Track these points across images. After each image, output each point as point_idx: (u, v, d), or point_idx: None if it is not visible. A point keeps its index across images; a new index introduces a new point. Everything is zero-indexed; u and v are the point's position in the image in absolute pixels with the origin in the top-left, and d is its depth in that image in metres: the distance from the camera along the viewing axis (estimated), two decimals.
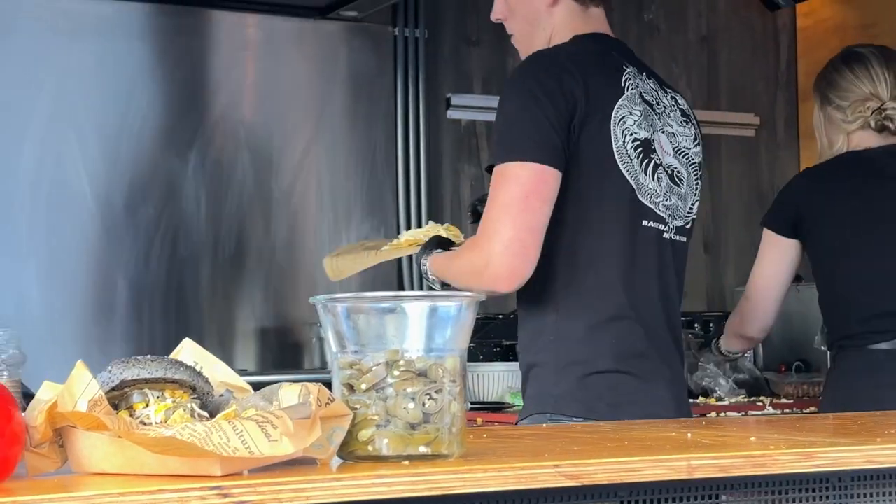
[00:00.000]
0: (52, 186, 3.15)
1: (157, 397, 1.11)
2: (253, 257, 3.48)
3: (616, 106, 2.02)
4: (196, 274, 3.40)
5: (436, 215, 3.73)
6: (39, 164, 3.13)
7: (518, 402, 3.19)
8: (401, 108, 3.66)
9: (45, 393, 1.09)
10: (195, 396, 1.13)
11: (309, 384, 1.12)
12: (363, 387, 1.15)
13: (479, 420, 2.91)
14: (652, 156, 2.05)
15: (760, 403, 3.25)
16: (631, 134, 2.03)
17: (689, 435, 1.41)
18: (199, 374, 1.14)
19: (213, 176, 3.43)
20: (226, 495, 0.98)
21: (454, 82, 3.79)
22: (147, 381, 1.11)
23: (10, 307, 2.98)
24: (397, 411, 1.14)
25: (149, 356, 1.13)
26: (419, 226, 3.67)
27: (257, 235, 3.48)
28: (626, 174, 2.01)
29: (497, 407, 3.17)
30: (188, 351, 1.21)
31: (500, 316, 3.71)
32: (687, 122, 2.16)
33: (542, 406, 2.01)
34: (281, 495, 1.00)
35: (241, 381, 1.19)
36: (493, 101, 3.90)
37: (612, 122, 2.01)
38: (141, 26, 3.32)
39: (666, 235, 2.08)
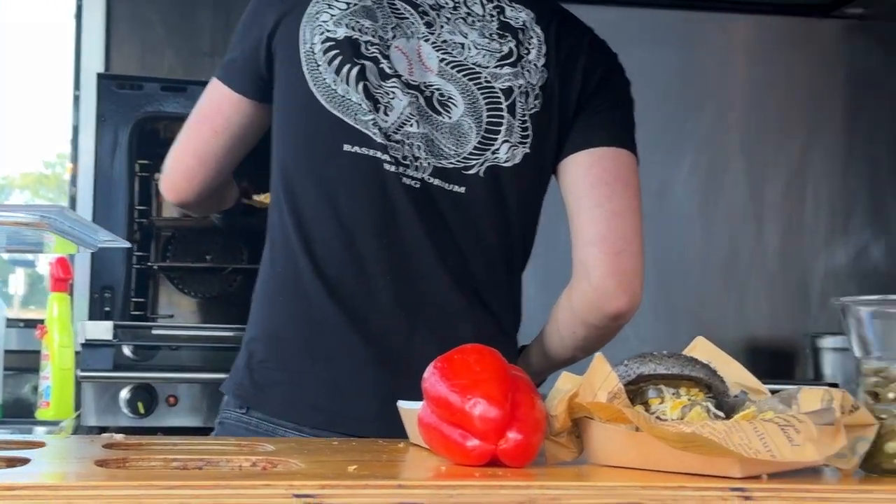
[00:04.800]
0: None
1: (673, 394, 1.10)
2: (744, 263, 3.41)
3: (313, 1, 1.64)
4: (685, 278, 3.38)
5: None
6: None
7: None
8: None
9: (564, 383, 1.11)
10: (710, 395, 1.11)
11: (831, 389, 1.07)
12: (890, 396, 1.08)
13: None
14: (359, 61, 1.59)
15: None
16: (323, 33, 1.61)
17: None
18: (715, 372, 1.12)
19: (705, 179, 3.40)
20: (747, 497, 0.95)
21: None
22: (663, 378, 1.10)
23: None
24: None
25: (664, 352, 1.12)
26: None
27: (748, 241, 3.41)
28: (311, 83, 1.60)
29: None
30: (701, 348, 1.19)
31: None
32: (504, 37, 1.64)
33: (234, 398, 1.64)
34: (805, 503, 0.96)
35: (757, 383, 1.15)
36: None
37: (303, 20, 1.63)
38: (645, 30, 3.35)
39: (391, 169, 1.57)
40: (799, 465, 1.00)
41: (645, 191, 3.31)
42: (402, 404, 1.27)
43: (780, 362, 3.38)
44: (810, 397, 1.07)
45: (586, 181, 1.63)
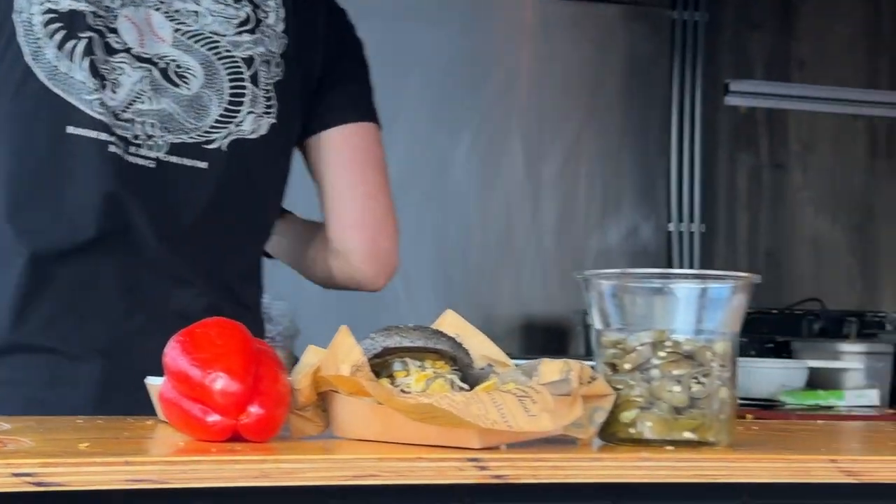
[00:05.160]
0: None
1: (418, 367, 1.10)
2: (520, 241, 3.47)
3: None
4: (464, 255, 3.43)
5: (710, 205, 3.63)
6: None
7: (792, 400, 3.07)
8: (676, 94, 3.57)
9: (311, 357, 1.10)
10: (455, 368, 1.12)
11: (571, 361, 1.09)
12: (627, 367, 1.11)
13: (749, 417, 2.81)
14: (84, 36, 1.49)
15: None
16: (44, 3, 1.50)
17: None
18: (460, 345, 1.12)
19: (483, 158, 3.45)
20: (483, 468, 0.96)
21: (734, 68, 3.67)
22: (408, 350, 1.10)
23: (288, 283, 3.08)
24: (662, 394, 1.09)
25: (410, 325, 1.12)
26: (692, 216, 3.59)
27: (525, 219, 3.47)
28: (30, 58, 1.49)
29: (768, 405, 3.05)
30: (450, 321, 1.19)
31: (774, 311, 3.57)
32: (239, 2, 1.58)
33: None
34: (539, 472, 0.98)
35: (503, 355, 1.17)
36: (775, 88, 3.84)
37: None
38: (429, 8, 3.37)
39: (119, 151, 1.49)
40: (536, 435, 1.02)
41: (424, 168, 3.35)
42: (150, 380, 1.24)
43: (553, 338, 3.46)
44: (550, 369, 1.09)
45: (338, 161, 1.63)
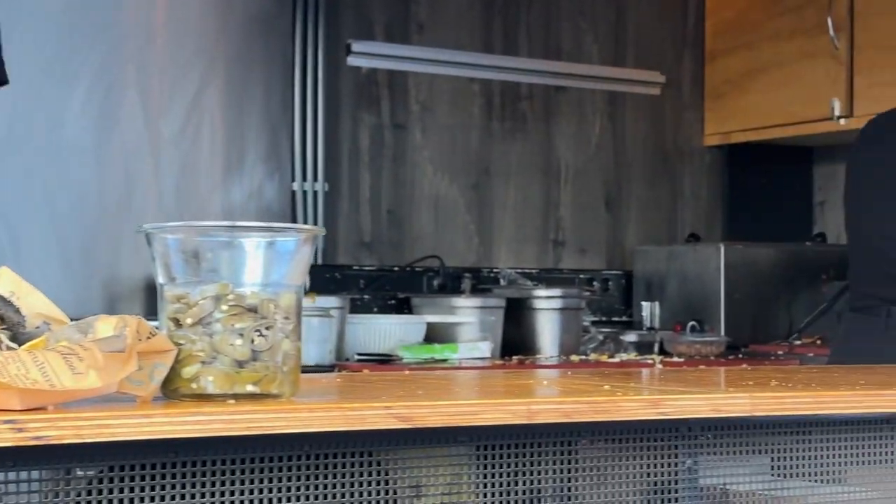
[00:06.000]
0: None
1: None
2: (140, 199, 3.37)
3: None
4: (80, 216, 3.29)
5: (333, 165, 3.66)
6: None
7: (409, 355, 3.16)
8: (299, 53, 3.57)
9: None
10: (4, 327, 1.06)
11: (128, 316, 1.05)
12: (189, 321, 1.09)
13: (366, 372, 2.86)
14: None
15: (651, 361, 3.26)
16: None
17: (546, 382, 1.37)
18: (9, 303, 1.07)
19: (100, 112, 3.32)
20: (20, 430, 0.92)
21: (355, 28, 3.71)
22: None
23: None
24: (224, 348, 1.08)
25: None
26: (315, 175, 3.61)
27: (145, 177, 3.37)
28: None
29: (385, 359, 3.12)
30: (4, 279, 1.13)
31: (396, 268, 3.66)
32: None
33: None
34: (83, 431, 0.94)
35: (60, 313, 1.12)
36: (396, 50, 3.92)
37: None
38: None
39: None
40: (85, 395, 0.98)
41: (35, 122, 3.18)
42: None
43: None
44: (106, 325, 1.05)
45: None
